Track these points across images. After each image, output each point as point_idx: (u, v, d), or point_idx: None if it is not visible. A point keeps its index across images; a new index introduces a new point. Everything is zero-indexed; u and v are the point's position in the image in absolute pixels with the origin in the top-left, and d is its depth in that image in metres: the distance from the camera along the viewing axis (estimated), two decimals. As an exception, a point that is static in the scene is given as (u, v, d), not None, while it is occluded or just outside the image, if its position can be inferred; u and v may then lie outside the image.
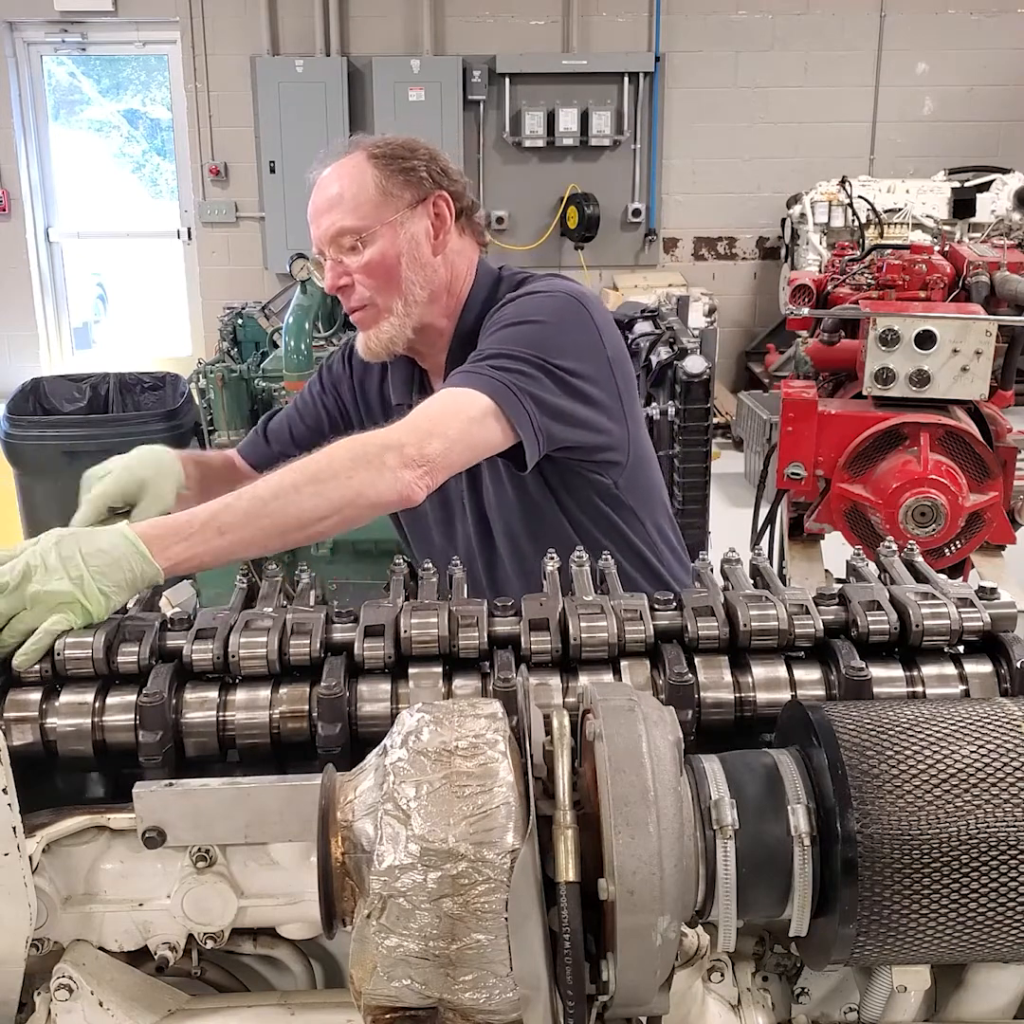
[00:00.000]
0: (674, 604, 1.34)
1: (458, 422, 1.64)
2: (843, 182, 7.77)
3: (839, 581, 1.45)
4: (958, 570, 3.66)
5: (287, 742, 1.26)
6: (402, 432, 1.60)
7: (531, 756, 0.99)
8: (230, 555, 1.45)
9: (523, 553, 1.93)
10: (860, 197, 7.38)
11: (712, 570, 1.47)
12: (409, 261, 1.85)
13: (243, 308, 4.81)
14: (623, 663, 1.29)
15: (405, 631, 1.29)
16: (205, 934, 1.20)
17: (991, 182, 7.83)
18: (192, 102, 8.99)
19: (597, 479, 1.92)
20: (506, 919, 0.92)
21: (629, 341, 3.73)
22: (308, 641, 1.29)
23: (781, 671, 1.28)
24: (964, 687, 1.27)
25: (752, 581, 1.43)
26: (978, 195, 7.74)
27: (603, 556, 1.51)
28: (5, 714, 1.24)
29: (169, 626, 1.32)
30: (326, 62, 8.84)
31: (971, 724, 1.02)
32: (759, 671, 1.27)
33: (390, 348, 1.91)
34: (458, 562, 1.50)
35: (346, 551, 4.23)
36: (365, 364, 2.05)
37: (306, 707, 1.26)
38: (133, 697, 1.24)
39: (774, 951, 1.26)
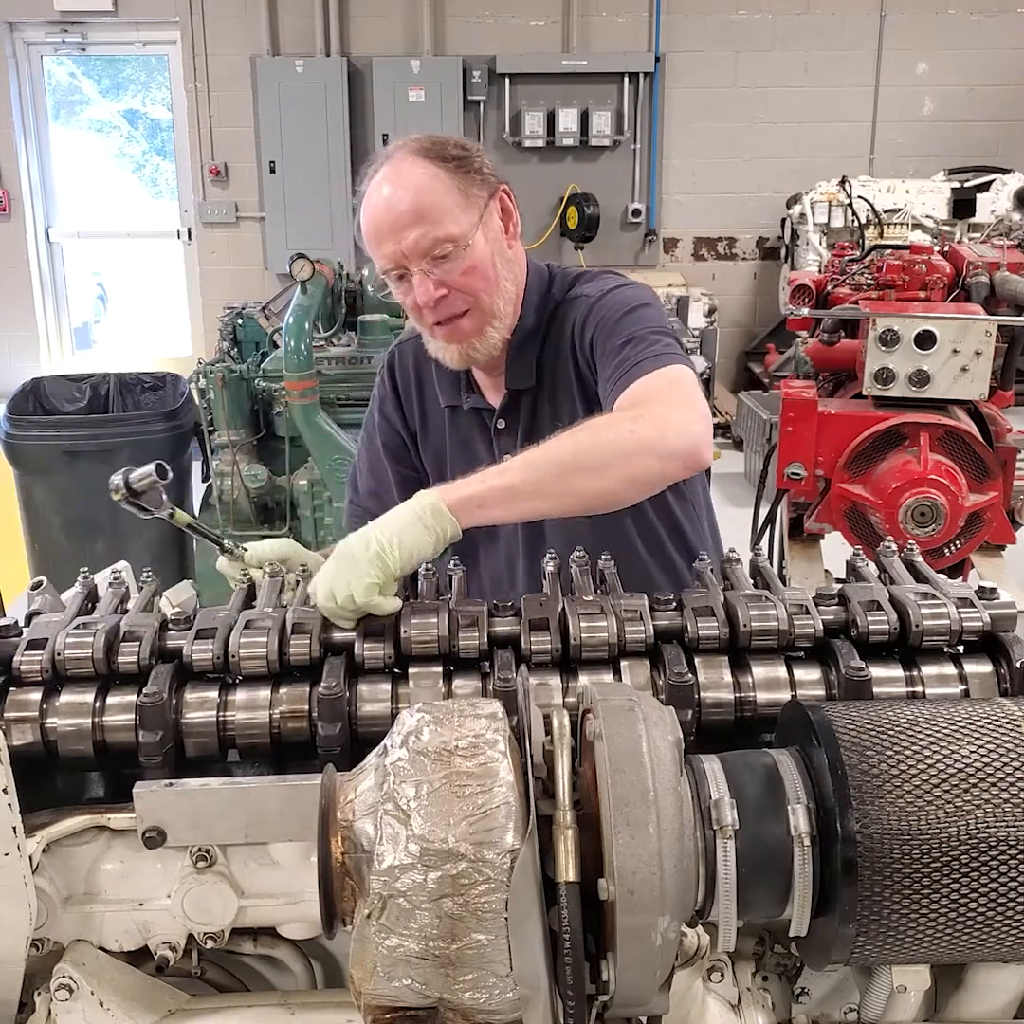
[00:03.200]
0: (674, 604, 1.34)
1: (695, 388, 1.65)
2: (843, 182, 7.77)
3: (839, 581, 1.45)
4: (958, 570, 3.66)
5: (287, 742, 1.26)
6: (661, 402, 1.59)
7: (531, 756, 0.99)
8: (513, 499, 1.45)
9: (579, 540, 1.85)
10: (860, 197, 7.37)
11: (712, 570, 1.47)
12: (500, 259, 1.83)
13: (243, 308, 4.81)
14: (623, 663, 1.29)
15: (405, 631, 1.30)
16: (205, 934, 1.20)
17: (991, 182, 7.83)
18: (192, 102, 8.99)
19: None
20: (506, 919, 0.92)
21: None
22: (308, 641, 1.30)
23: (781, 671, 1.28)
24: (964, 687, 1.27)
25: (752, 581, 1.43)
26: (978, 195, 7.73)
27: (604, 556, 1.51)
28: (5, 714, 1.24)
29: (169, 626, 1.32)
30: (326, 62, 8.84)
31: (971, 724, 1.02)
32: (759, 671, 1.27)
33: (491, 352, 1.87)
34: (457, 562, 1.50)
35: (346, 551, 4.23)
36: (406, 376, 2.05)
37: (306, 707, 1.26)
38: (133, 697, 1.24)
39: (774, 951, 1.26)
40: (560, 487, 1.47)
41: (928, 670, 1.27)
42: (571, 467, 1.47)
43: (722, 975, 1.23)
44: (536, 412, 1.93)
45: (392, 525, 1.39)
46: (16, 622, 1.33)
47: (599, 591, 1.42)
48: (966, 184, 7.88)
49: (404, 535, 1.38)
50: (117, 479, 1.58)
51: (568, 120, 8.93)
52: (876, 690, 1.24)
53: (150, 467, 1.57)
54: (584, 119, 8.92)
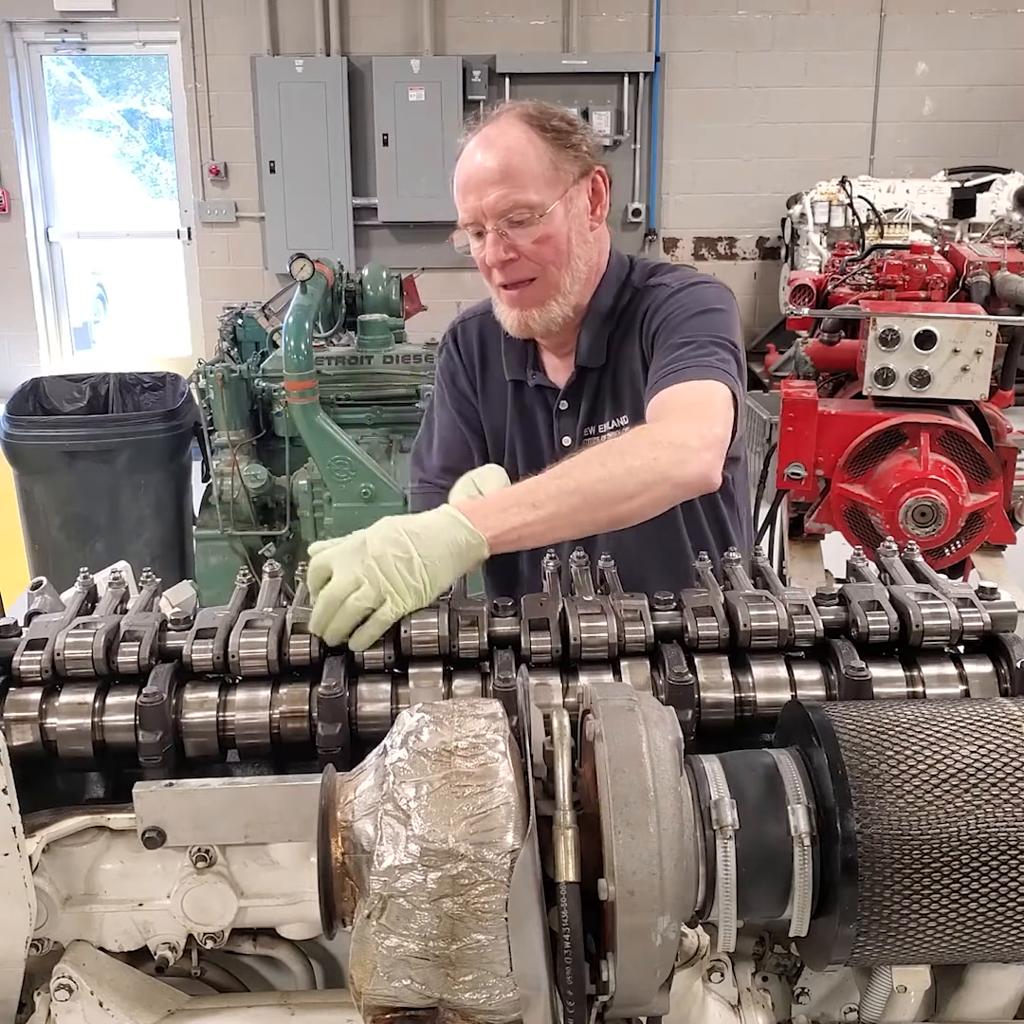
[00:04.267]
0: (674, 604, 1.34)
1: (723, 410, 1.68)
2: (843, 182, 7.76)
3: (839, 581, 1.45)
4: (958, 570, 3.66)
5: (287, 742, 1.26)
6: (683, 421, 1.62)
7: (531, 756, 0.99)
8: (546, 532, 1.45)
9: (626, 548, 1.83)
10: (860, 197, 7.36)
11: (712, 570, 1.47)
12: (577, 237, 1.84)
13: (243, 308, 4.80)
14: (623, 663, 1.29)
15: (405, 631, 1.29)
16: (205, 934, 1.20)
17: (991, 182, 7.82)
18: (192, 102, 8.99)
19: (724, 473, 1.88)
20: (506, 919, 0.92)
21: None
22: (308, 641, 1.30)
23: (781, 671, 1.28)
24: (964, 687, 1.27)
25: (752, 581, 1.43)
26: (978, 195, 7.73)
27: (603, 556, 1.51)
28: (5, 714, 1.24)
29: (169, 626, 1.32)
30: (326, 62, 8.84)
31: (971, 724, 1.02)
32: (759, 671, 1.27)
33: (550, 327, 1.89)
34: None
35: (346, 551, 4.23)
36: (470, 348, 2.05)
37: (306, 707, 1.26)
38: (133, 697, 1.24)
39: (774, 951, 1.26)
40: (587, 518, 1.49)
41: (928, 670, 1.27)
42: (601, 499, 1.49)
43: (722, 975, 1.22)
44: (599, 393, 1.95)
45: (435, 553, 1.34)
46: (16, 622, 1.33)
47: (599, 591, 1.42)
48: (966, 184, 7.87)
49: (441, 573, 1.34)
50: None
51: (568, 120, 8.92)
52: (876, 690, 1.23)
53: None
54: (584, 119, 8.89)
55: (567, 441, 1.97)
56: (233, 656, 1.27)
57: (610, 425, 1.94)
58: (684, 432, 1.59)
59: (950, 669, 1.28)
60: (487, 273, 1.86)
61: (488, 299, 2.05)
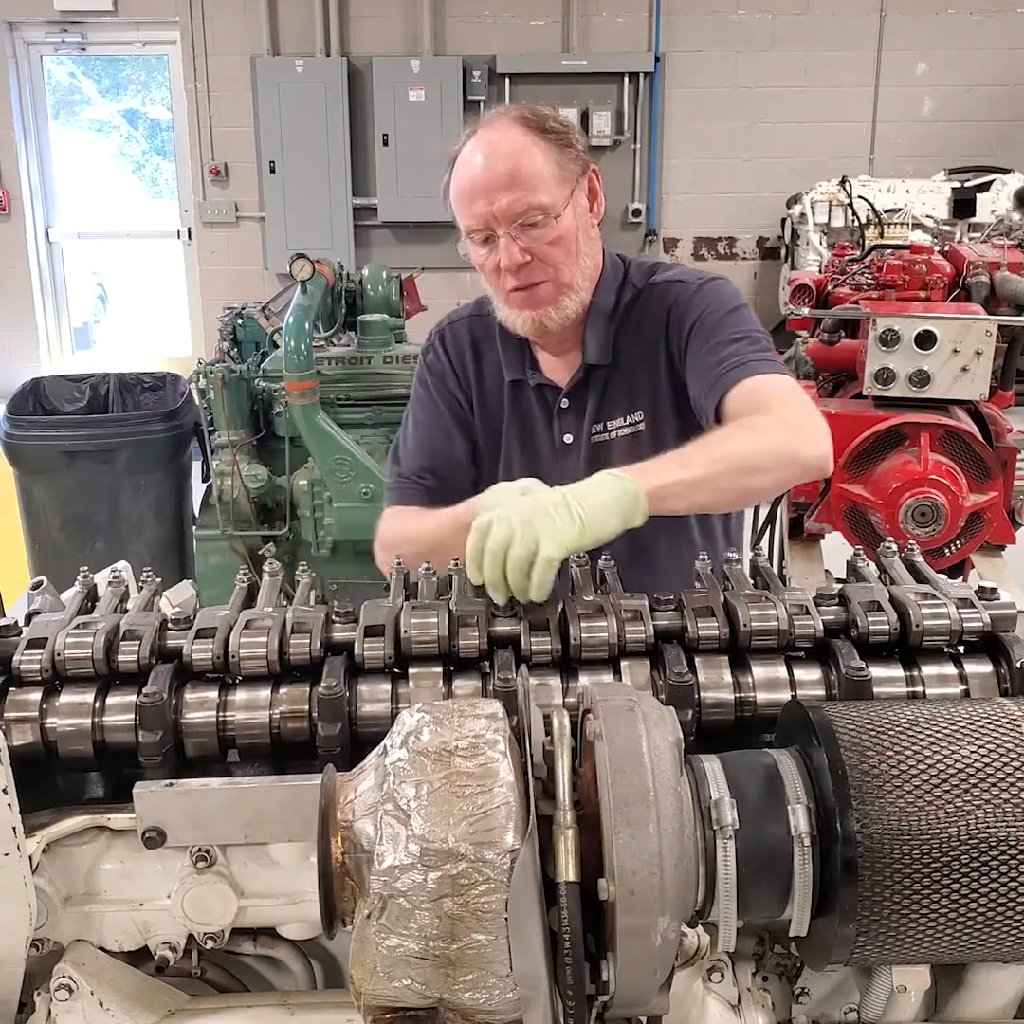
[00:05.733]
0: (674, 604, 1.34)
1: (811, 402, 1.76)
2: (843, 182, 7.76)
3: (839, 581, 1.45)
4: (958, 570, 3.66)
5: (287, 742, 1.26)
6: (797, 409, 1.69)
7: (531, 756, 0.99)
8: (691, 493, 1.52)
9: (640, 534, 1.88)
10: (860, 197, 7.36)
11: (712, 570, 1.47)
12: (583, 236, 1.88)
13: (243, 308, 4.80)
14: (623, 663, 1.29)
15: (405, 631, 1.29)
16: (205, 934, 1.20)
17: (991, 182, 7.82)
18: (192, 102, 8.99)
19: None
20: (506, 919, 0.92)
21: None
22: (308, 641, 1.29)
23: (781, 671, 1.28)
24: (964, 687, 1.27)
25: (752, 581, 1.43)
26: (978, 195, 7.72)
27: (603, 556, 1.51)
28: (5, 714, 1.24)
29: (169, 626, 1.32)
30: (326, 62, 8.84)
31: (971, 724, 1.02)
32: (759, 671, 1.27)
33: (563, 324, 1.91)
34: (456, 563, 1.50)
35: (346, 551, 4.23)
36: (461, 351, 2.06)
37: (306, 707, 1.26)
38: (133, 697, 1.24)
39: (774, 951, 1.26)
40: (730, 483, 1.55)
41: (928, 670, 1.27)
42: (744, 467, 1.55)
43: (722, 975, 1.22)
44: (607, 390, 1.96)
45: (592, 500, 1.40)
46: (16, 622, 1.33)
47: (599, 591, 1.42)
48: (966, 184, 7.87)
49: (607, 518, 1.40)
50: None
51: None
52: (876, 690, 1.23)
53: None
54: (584, 119, 8.92)
55: (568, 439, 1.98)
56: (233, 656, 1.27)
57: (623, 422, 1.96)
58: (804, 420, 1.67)
59: (950, 669, 1.28)
60: (496, 277, 1.87)
61: (473, 302, 2.08)
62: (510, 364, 2.02)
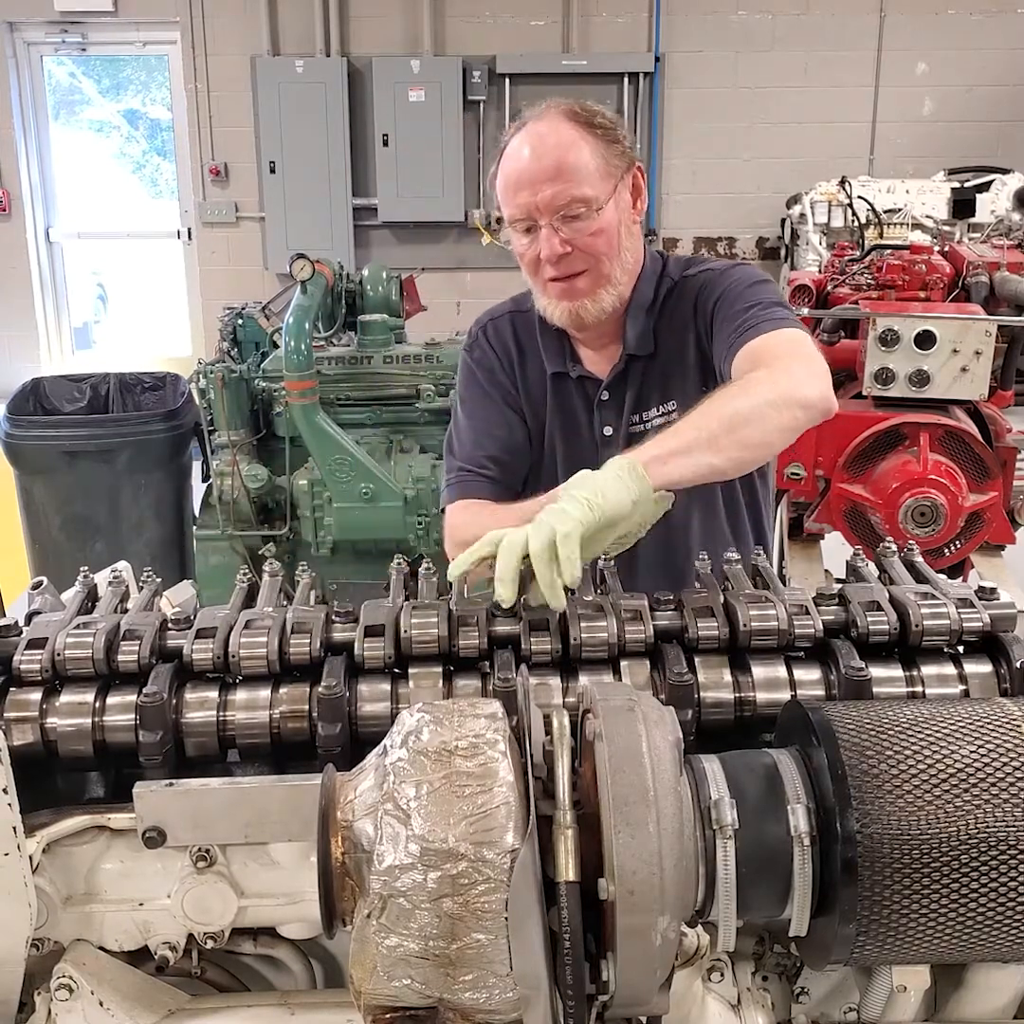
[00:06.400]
0: (674, 604, 1.34)
1: (814, 347, 1.78)
2: (843, 182, 7.75)
3: (839, 581, 1.45)
4: (958, 570, 3.66)
5: (287, 742, 1.26)
6: (788, 357, 1.70)
7: (531, 756, 0.99)
8: (694, 454, 1.51)
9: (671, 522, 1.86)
10: (860, 197, 7.36)
11: (712, 570, 1.47)
12: (625, 230, 1.90)
13: (243, 308, 4.80)
14: (623, 663, 1.29)
15: (405, 631, 1.29)
16: (205, 934, 1.20)
17: (991, 182, 7.82)
18: (192, 102, 8.99)
19: None
20: (506, 919, 0.92)
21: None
22: (308, 641, 1.30)
23: (781, 671, 1.28)
24: (964, 687, 1.27)
25: (752, 581, 1.43)
26: (978, 195, 7.73)
27: (602, 555, 1.51)
28: (5, 714, 1.24)
29: (169, 626, 1.32)
30: (326, 62, 8.84)
31: (971, 724, 1.02)
32: (759, 671, 1.27)
33: (600, 316, 1.93)
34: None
35: (346, 551, 4.23)
36: (505, 345, 2.07)
37: (306, 707, 1.26)
38: (133, 697, 1.24)
39: (774, 951, 1.26)
40: (730, 440, 1.55)
41: (928, 670, 1.27)
42: (736, 421, 1.55)
43: (722, 975, 1.23)
44: (645, 382, 1.99)
45: (590, 481, 1.41)
46: (16, 622, 1.33)
47: (599, 591, 1.43)
48: (966, 184, 7.87)
49: (607, 489, 1.40)
50: None
51: (568, 120, 8.92)
52: (876, 690, 1.24)
53: None
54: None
55: (608, 431, 2.00)
56: (233, 656, 1.27)
57: (657, 412, 1.98)
58: (796, 364, 1.68)
59: (950, 669, 1.28)
60: (535, 268, 1.89)
61: (510, 299, 2.09)
62: (551, 357, 2.04)
